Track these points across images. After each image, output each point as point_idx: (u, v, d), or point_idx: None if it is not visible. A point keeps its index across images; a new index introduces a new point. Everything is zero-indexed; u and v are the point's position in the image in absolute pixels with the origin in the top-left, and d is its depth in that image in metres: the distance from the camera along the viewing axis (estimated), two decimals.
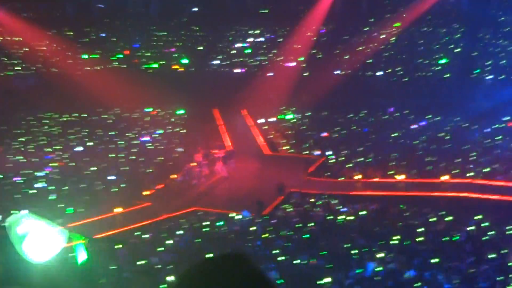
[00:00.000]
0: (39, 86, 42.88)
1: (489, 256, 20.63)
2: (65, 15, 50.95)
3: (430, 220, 24.89)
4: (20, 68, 48.07)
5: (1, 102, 39.89)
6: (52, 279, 3.13)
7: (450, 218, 24.88)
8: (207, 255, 1.95)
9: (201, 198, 29.92)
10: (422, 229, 23.60)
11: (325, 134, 38.52)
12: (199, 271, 1.86)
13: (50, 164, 33.49)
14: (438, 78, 44.12)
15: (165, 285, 17.57)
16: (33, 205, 26.61)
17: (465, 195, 27.82)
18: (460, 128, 37.84)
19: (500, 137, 35.42)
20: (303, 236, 23.15)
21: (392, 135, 37.24)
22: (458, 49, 45.52)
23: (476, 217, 24.78)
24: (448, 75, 44.24)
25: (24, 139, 38.41)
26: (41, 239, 3.26)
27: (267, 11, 50.30)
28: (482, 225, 24.02)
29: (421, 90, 41.34)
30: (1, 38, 46.03)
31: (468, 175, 29.90)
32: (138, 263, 20.17)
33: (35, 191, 29.41)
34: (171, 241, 23.00)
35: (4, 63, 47.56)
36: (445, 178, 29.67)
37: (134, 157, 34.97)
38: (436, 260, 20.27)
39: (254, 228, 24.66)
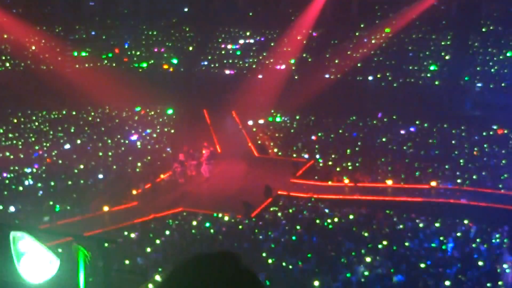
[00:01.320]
0: (28, 82, 42.66)
1: (477, 263, 20.73)
2: (55, 12, 50.81)
3: (418, 225, 24.98)
4: (8, 64, 47.84)
5: None
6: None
7: (438, 224, 25.01)
8: (196, 253, 1.93)
9: (189, 199, 29.82)
10: (410, 234, 23.70)
11: (313, 137, 38.54)
12: (189, 268, 1.85)
13: (38, 161, 33.33)
14: (428, 84, 44.33)
15: (153, 283, 17.50)
16: (21, 202, 26.51)
17: (453, 201, 27.93)
18: (449, 134, 38.04)
19: (489, 144, 35.61)
20: (291, 239, 23.15)
21: (381, 140, 37.34)
22: (448, 56, 45.79)
23: (464, 224, 24.93)
24: (437, 82, 44.46)
25: (12, 136, 38.21)
26: (37, 261, 3.24)
27: (257, 13, 50.36)
28: (470, 231, 24.15)
29: (411, 96, 41.48)
30: None
31: (456, 181, 30.03)
32: (126, 262, 20.11)
33: (23, 188, 29.22)
34: (158, 241, 22.93)
35: None
36: (433, 184, 29.80)
37: (122, 156, 34.86)
38: (423, 265, 20.35)
39: (242, 229, 24.66)
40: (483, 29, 45.07)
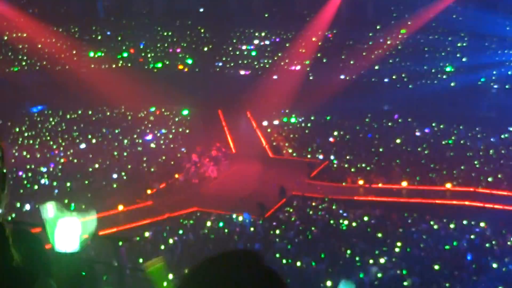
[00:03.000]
0: (44, 82, 42.84)
1: (491, 265, 20.60)
2: (71, 12, 51.03)
3: (433, 227, 24.85)
4: (24, 64, 48.15)
5: (7, 98, 39.89)
6: (69, 270, 3.13)
7: (453, 226, 24.86)
8: (218, 252, 1.93)
9: (203, 199, 29.86)
10: (424, 236, 23.58)
11: (328, 138, 38.45)
12: (211, 266, 1.85)
13: (54, 161, 33.53)
14: (444, 85, 44.02)
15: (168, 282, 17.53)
16: (36, 201, 26.67)
17: (468, 203, 27.77)
18: (465, 136, 37.80)
19: (505, 146, 35.35)
20: (305, 240, 23.11)
21: (396, 141, 37.17)
22: (464, 58, 45.47)
23: (478, 226, 24.76)
24: (453, 83, 44.16)
25: (28, 135, 38.45)
26: (70, 230, 3.28)
27: (273, 14, 50.30)
28: (484, 234, 23.99)
29: (426, 97, 41.18)
30: (7, 34, 46.09)
31: (471, 183, 29.85)
32: (140, 260, 20.17)
33: (38, 186, 29.41)
34: (171, 241, 22.99)
35: (10, 59, 47.66)
36: (448, 186, 29.64)
37: (137, 156, 34.98)
38: (438, 267, 20.24)
39: (255, 230, 24.66)
40: (500, 30, 44.66)
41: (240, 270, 1.81)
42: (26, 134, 38.60)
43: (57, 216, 3.29)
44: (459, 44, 46.13)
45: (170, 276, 18.41)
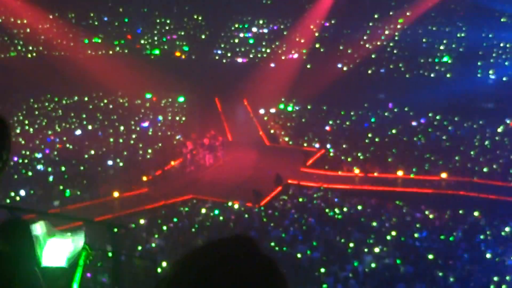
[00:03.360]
0: (41, 68, 42.68)
1: (485, 255, 20.69)
2: None
3: (427, 217, 24.94)
4: (21, 49, 48.00)
5: (2, 83, 39.78)
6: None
7: (447, 215, 24.95)
8: (214, 238, 1.92)
9: (199, 186, 29.88)
10: (418, 225, 23.66)
11: (325, 127, 38.49)
12: (205, 252, 1.84)
13: (49, 146, 33.49)
14: (441, 76, 44.06)
15: (161, 269, 17.57)
16: (31, 186, 26.66)
17: (463, 193, 27.87)
18: (461, 127, 37.88)
19: (501, 137, 35.43)
20: (300, 228, 23.16)
21: (392, 131, 37.21)
22: (461, 48, 45.47)
23: (473, 216, 24.86)
24: (449, 74, 44.19)
25: (24, 120, 38.38)
26: (58, 247, 3.29)
27: (271, 2, 50.18)
28: (479, 224, 24.09)
29: (423, 88, 41.19)
30: (4, 19, 45.90)
31: (466, 173, 29.94)
32: (135, 247, 20.21)
33: (33, 172, 29.37)
34: (166, 227, 23.01)
35: (7, 44, 47.52)
36: (443, 175, 29.72)
37: (133, 143, 34.96)
38: (432, 256, 20.32)
39: (250, 217, 24.69)
40: (498, 21, 44.65)
41: (236, 256, 1.80)
42: (21, 120, 38.49)
43: (46, 235, 3.31)
44: (458, 35, 46.10)
45: (164, 264, 18.48)
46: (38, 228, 3.35)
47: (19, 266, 1.99)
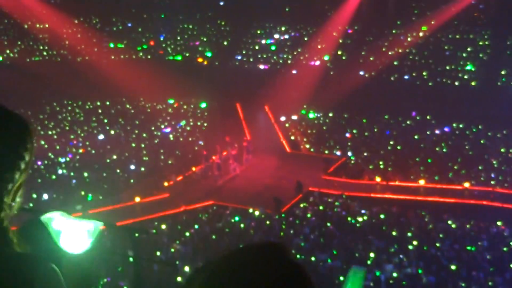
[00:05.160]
0: (64, 72, 43.07)
1: (509, 266, 20.46)
2: (92, 3, 51.25)
3: (450, 226, 24.73)
4: (46, 54, 48.49)
5: (27, 87, 40.20)
6: (81, 264, 3.16)
7: (470, 225, 24.72)
8: (242, 245, 1.91)
9: (219, 192, 29.95)
10: (441, 235, 23.47)
11: (347, 135, 38.37)
12: (237, 257, 1.84)
13: (72, 151, 33.76)
14: (464, 84, 43.72)
15: (182, 275, 17.61)
16: (54, 190, 26.88)
17: (486, 203, 27.59)
18: (484, 135, 37.54)
19: None
20: (320, 236, 23.09)
21: (414, 139, 36.98)
22: (485, 56, 45.13)
23: (496, 226, 24.61)
24: (473, 82, 43.85)
25: (47, 125, 38.71)
26: (75, 235, 3.27)
27: (294, 8, 50.19)
28: (502, 234, 23.83)
29: (446, 96, 40.92)
30: (30, 24, 46.45)
31: (490, 183, 29.66)
32: (156, 252, 20.28)
33: (56, 176, 29.62)
34: (187, 233, 23.07)
35: (32, 48, 48.05)
36: (466, 185, 29.47)
37: (155, 148, 35.12)
38: (454, 267, 20.14)
39: (271, 225, 24.66)
40: None
41: (265, 262, 1.80)
42: (46, 124, 38.82)
43: (62, 223, 3.31)
44: (480, 43, 45.76)
45: (186, 269, 18.52)
46: (54, 218, 3.34)
47: (40, 267, 2.01)
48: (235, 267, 1.80)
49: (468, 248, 22.16)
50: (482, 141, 36.61)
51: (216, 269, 1.82)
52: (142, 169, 31.70)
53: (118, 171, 30.97)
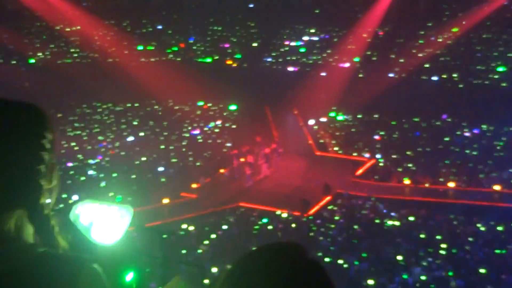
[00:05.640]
0: (95, 75, 43.50)
1: None
2: (123, 6, 51.69)
3: (479, 229, 24.45)
4: (77, 56, 49.03)
5: (58, 89, 40.70)
6: (114, 257, 3.18)
7: (500, 229, 24.41)
8: (263, 245, 1.93)
9: (247, 194, 29.98)
10: (471, 238, 23.22)
11: (375, 137, 38.14)
12: (253, 258, 1.85)
13: (102, 153, 34.08)
14: (495, 86, 43.15)
15: (209, 276, 17.67)
16: (83, 192, 27.12)
17: None
18: None
19: None
20: (348, 238, 23.01)
21: (444, 141, 36.62)
22: None
23: None
24: (505, 84, 43.26)
25: (77, 127, 39.12)
26: (107, 224, 3.26)
27: (323, 10, 50.06)
28: None
29: (477, 98, 40.43)
30: (61, 26, 47.02)
31: None
32: (183, 253, 20.39)
33: (86, 178, 29.92)
34: (214, 235, 23.15)
35: (63, 51, 48.63)
36: (496, 188, 29.10)
37: (183, 150, 35.29)
38: (484, 271, 19.92)
39: (298, 227, 24.64)
40: None
41: (283, 262, 1.82)
42: (76, 126, 39.25)
43: (96, 211, 3.31)
44: None
45: (214, 270, 18.58)
46: (81, 213, 3.35)
47: (84, 268, 2.05)
48: (252, 267, 1.82)
49: (498, 251, 21.90)
50: None
51: (233, 270, 1.85)
52: (171, 170, 31.86)
53: (147, 172, 31.17)
